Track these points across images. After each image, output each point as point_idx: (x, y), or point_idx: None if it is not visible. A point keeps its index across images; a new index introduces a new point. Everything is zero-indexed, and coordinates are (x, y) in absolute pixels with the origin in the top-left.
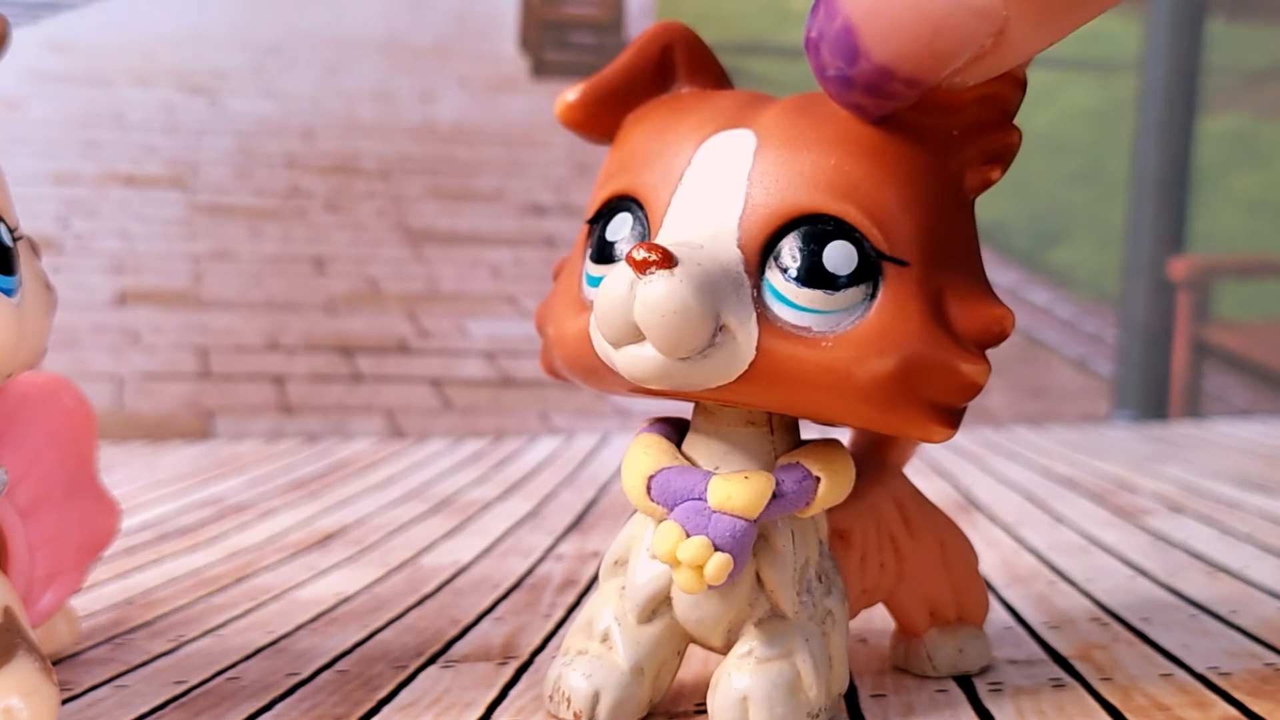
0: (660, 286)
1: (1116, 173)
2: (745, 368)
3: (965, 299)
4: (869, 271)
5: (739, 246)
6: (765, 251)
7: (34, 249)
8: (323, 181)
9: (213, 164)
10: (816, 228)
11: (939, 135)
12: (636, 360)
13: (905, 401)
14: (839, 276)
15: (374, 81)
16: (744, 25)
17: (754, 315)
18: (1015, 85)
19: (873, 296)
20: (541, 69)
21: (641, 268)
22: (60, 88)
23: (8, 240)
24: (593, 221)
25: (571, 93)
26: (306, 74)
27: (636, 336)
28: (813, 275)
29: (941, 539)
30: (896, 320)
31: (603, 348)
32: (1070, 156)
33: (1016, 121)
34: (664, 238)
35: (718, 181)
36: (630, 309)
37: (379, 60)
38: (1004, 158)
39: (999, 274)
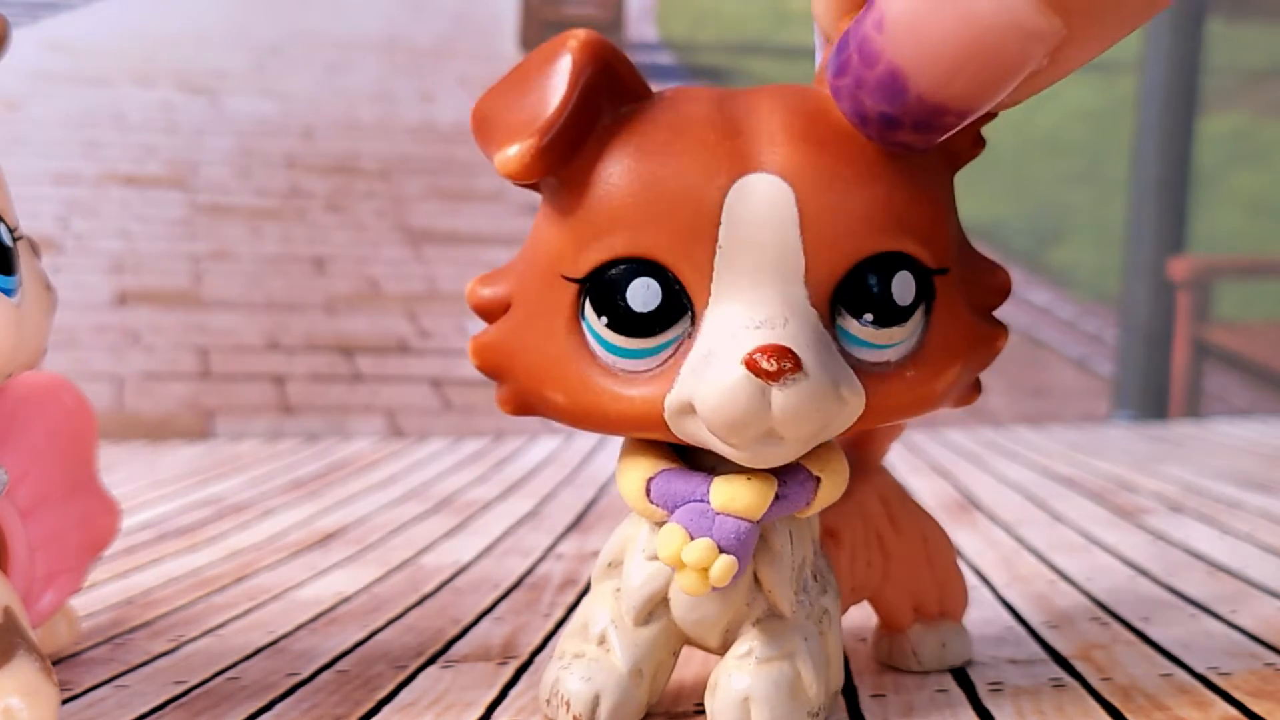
0: (802, 393)
1: (1116, 173)
2: (856, 420)
3: (977, 275)
4: (925, 290)
5: (812, 305)
6: (833, 301)
7: (34, 249)
8: (323, 181)
9: (213, 164)
10: (880, 267)
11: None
12: (768, 454)
13: (963, 386)
14: (906, 307)
15: (374, 81)
16: (744, 25)
17: (854, 374)
18: None
19: (930, 311)
20: None
21: (776, 377)
22: (60, 88)
23: (8, 240)
24: (585, 281)
25: (517, 148)
26: (306, 74)
27: (771, 436)
28: (889, 314)
29: (924, 533)
30: (953, 325)
31: (703, 437)
32: (1070, 156)
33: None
34: (735, 315)
35: (767, 240)
36: (767, 415)
37: (379, 60)
38: (981, 138)
39: None
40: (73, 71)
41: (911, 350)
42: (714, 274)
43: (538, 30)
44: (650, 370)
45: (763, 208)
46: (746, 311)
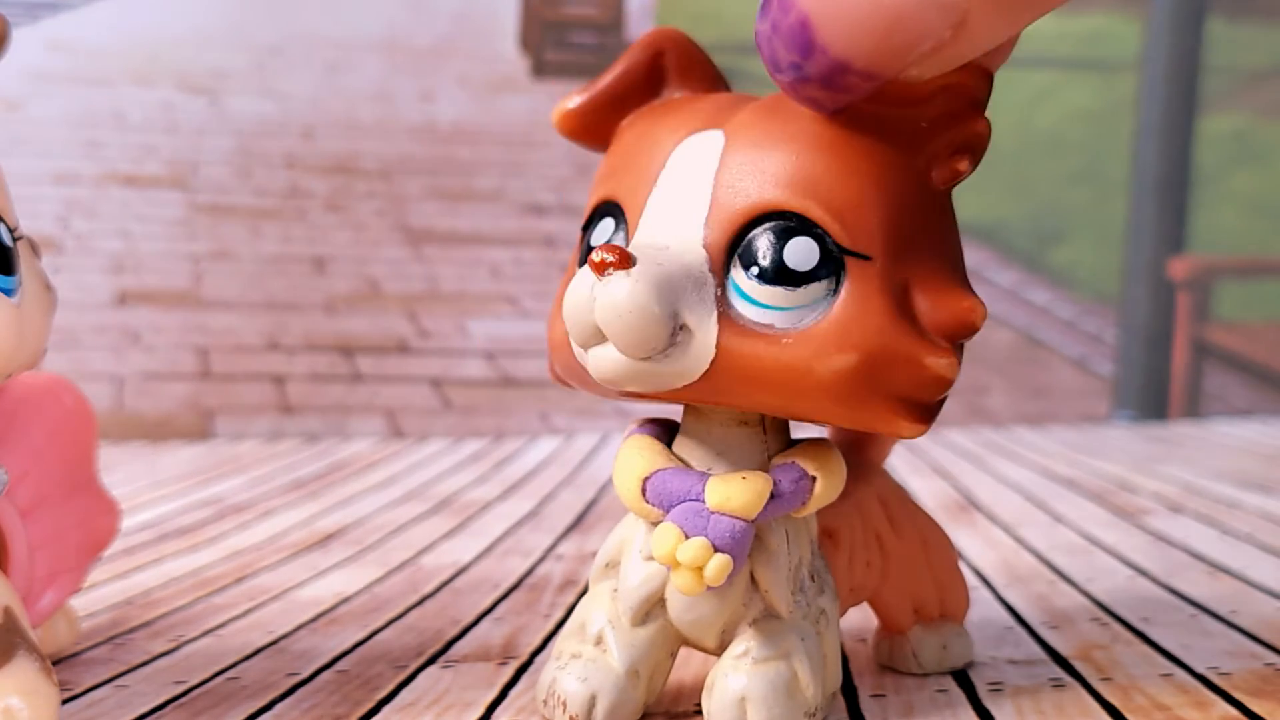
0: (617, 287)
1: (1116, 173)
2: (707, 366)
3: (933, 291)
4: (831, 267)
5: (704, 246)
6: (730, 250)
7: (34, 249)
8: (323, 181)
9: (213, 164)
10: (779, 225)
11: (906, 128)
12: (601, 361)
13: (870, 397)
14: (800, 272)
15: (374, 81)
16: (744, 25)
17: (714, 314)
18: (981, 76)
19: (835, 292)
20: (541, 69)
21: (600, 269)
22: (60, 88)
23: (8, 240)
24: (585, 229)
25: (570, 101)
26: (306, 74)
27: (600, 338)
28: (775, 272)
29: (924, 535)
30: (858, 315)
31: (576, 350)
32: (1070, 156)
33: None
34: (636, 241)
35: (687, 183)
36: (591, 310)
37: (379, 60)
38: (973, 149)
39: (999, 274)
40: (73, 71)
41: (802, 324)
42: (644, 213)
43: (538, 30)
44: None
45: (694, 156)
46: (643, 239)
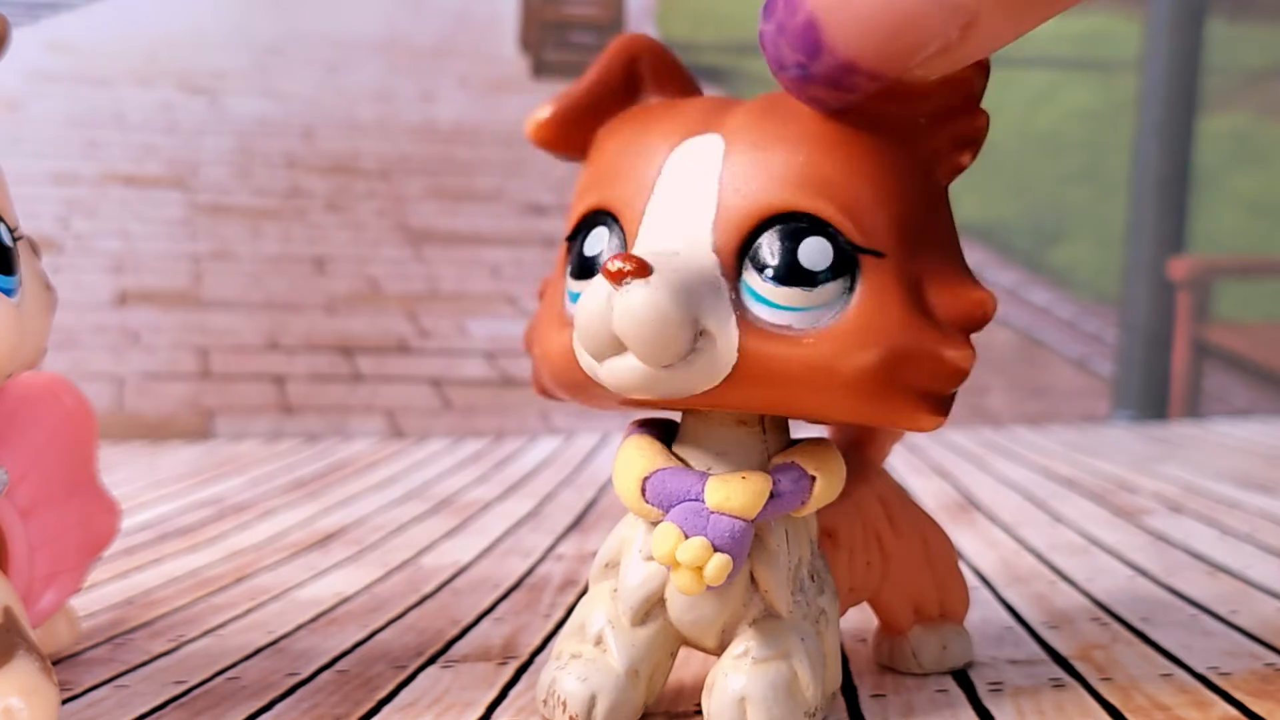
0: (637, 296)
1: (1116, 173)
2: (729, 371)
3: (944, 285)
4: (845, 265)
5: (714, 250)
6: (741, 253)
7: (34, 249)
8: (323, 181)
9: (213, 164)
10: (790, 226)
11: (906, 124)
12: (620, 372)
13: (892, 392)
14: (816, 273)
15: (374, 81)
16: (744, 25)
17: (733, 318)
18: (978, 70)
19: (851, 290)
20: (541, 69)
21: (617, 278)
22: (60, 88)
23: (8, 240)
24: (571, 238)
25: (543, 112)
26: (306, 74)
27: (618, 348)
28: (790, 273)
29: (924, 535)
30: (876, 312)
31: (587, 362)
32: (1070, 156)
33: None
34: (639, 248)
35: (689, 187)
36: (610, 321)
37: (379, 60)
38: (974, 142)
39: (999, 274)
40: (73, 71)
41: (820, 323)
42: (643, 220)
43: (538, 30)
44: None
45: (693, 160)
46: (648, 246)
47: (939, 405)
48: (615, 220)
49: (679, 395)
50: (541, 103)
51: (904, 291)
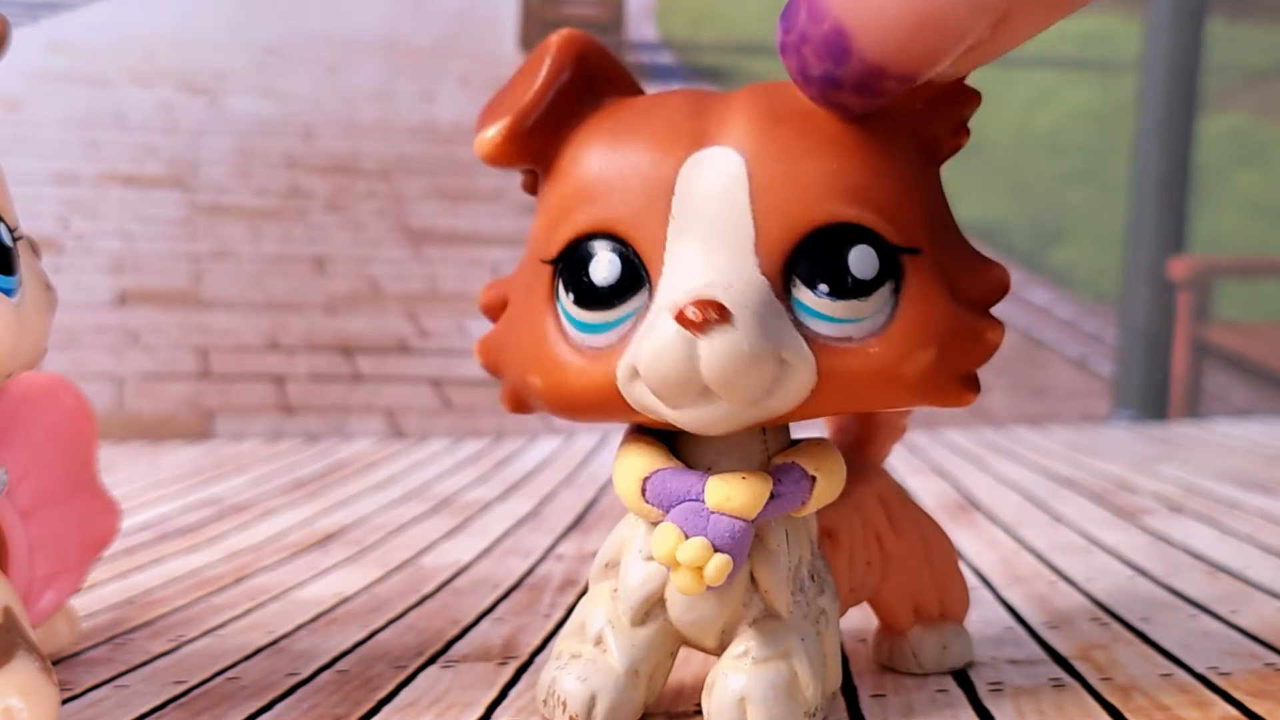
0: (726, 344)
1: (1116, 173)
2: (808, 394)
3: (967, 267)
4: (891, 268)
5: (763, 274)
6: (786, 272)
7: (34, 249)
8: (323, 181)
9: (213, 164)
10: (834, 238)
11: (907, 114)
12: (705, 416)
13: (945, 380)
14: (869, 281)
15: (374, 81)
16: (744, 25)
17: (802, 341)
18: None
19: (898, 291)
20: None
21: (701, 328)
22: (60, 88)
23: (8, 240)
24: (557, 261)
25: (491, 130)
26: (306, 74)
27: (706, 395)
28: (846, 286)
29: (924, 535)
30: (925, 308)
31: (650, 403)
32: (1070, 156)
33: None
34: (681, 281)
35: (717, 209)
36: (696, 370)
37: (379, 60)
38: (968, 121)
39: None
40: (73, 71)
41: (877, 329)
42: (667, 245)
43: (538, 30)
44: (612, 345)
45: (714, 178)
46: (693, 277)
47: (975, 382)
48: (623, 244)
49: (757, 421)
50: (485, 118)
51: (942, 283)
